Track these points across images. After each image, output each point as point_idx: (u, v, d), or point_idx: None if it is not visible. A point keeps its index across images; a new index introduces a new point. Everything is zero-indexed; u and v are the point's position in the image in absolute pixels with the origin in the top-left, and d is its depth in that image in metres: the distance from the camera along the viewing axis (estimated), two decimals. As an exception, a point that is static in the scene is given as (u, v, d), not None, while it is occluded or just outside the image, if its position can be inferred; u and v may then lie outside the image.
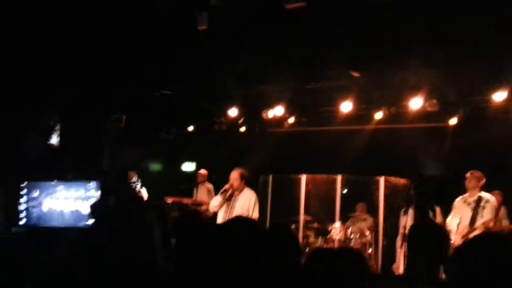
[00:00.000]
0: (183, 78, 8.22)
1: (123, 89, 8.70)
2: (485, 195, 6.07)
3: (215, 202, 6.32)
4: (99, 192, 7.99)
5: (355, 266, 1.93)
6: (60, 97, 8.57)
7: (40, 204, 8.17)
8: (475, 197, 6.07)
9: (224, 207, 6.21)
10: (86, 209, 7.52)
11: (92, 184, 8.11)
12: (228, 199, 6.20)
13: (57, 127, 9.07)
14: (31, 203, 8.16)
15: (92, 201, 7.36)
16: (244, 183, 6.23)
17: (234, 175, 6.22)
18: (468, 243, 1.85)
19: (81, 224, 7.79)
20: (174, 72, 7.92)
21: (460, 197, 6.23)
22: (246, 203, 6.13)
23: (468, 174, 6.11)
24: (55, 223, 8.03)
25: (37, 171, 8.35)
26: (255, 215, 6.10)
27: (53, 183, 8.28)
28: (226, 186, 6.18)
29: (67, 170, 8.95)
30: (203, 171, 9.59)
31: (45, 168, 8.48)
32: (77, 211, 8.04)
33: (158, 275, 1.59)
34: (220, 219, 6.16)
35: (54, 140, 9.03)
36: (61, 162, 8.99)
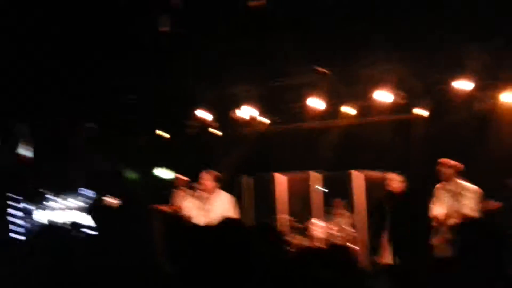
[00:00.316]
0: (150, 83, 8.15)
1: (92, 98, 8.59)
2: (464, 183, 6.11)
3: (187, 205, 6.37)
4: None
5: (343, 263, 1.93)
6: (29, 107, 8.42)
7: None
8: (454, 185, 6.13)
9: (202, 211, 6.18)
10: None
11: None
12: (204, 203, 6.19)
13: (27, 138, 8.91)
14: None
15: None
16: (217, 186, 6.22)
17: (207, 177, 6.22)
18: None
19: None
20: (141, 77, 7.85)
21: (439, 184, 6.27)
22: (224, 206, 6.12)
23: (440, 166, 6.15)
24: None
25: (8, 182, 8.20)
26: (235, 216, 6.07)
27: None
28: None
29: (40, 182, 8.81)
30: (181, 176, 9.52)
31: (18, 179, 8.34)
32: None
33: (157, 276, 1.60)
34: (198, 223, 6.12)
35: (25, 151, 8.87)
36: (35, 172, 8.84)
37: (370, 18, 5.98)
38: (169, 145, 10.33)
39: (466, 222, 2.07)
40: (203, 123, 9.72)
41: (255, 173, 9.28)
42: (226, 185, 8.44)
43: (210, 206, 6.14)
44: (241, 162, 9.62)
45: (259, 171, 9.31)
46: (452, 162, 6.16)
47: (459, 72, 7.28)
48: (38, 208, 8.13)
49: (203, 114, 9.42)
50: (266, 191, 9.01)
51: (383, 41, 6.45)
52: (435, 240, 5.77)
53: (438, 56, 6.89)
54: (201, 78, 7.58)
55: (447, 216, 5.96)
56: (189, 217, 6.25)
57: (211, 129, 9.95)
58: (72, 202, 8.02)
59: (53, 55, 6.91)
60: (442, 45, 6.50)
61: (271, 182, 8.94)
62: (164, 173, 11.36)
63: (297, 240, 8.35)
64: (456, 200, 6.04)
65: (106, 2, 6.19)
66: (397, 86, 7.88)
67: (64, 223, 7.97)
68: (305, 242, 8.08)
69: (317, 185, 8.70)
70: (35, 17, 6.18)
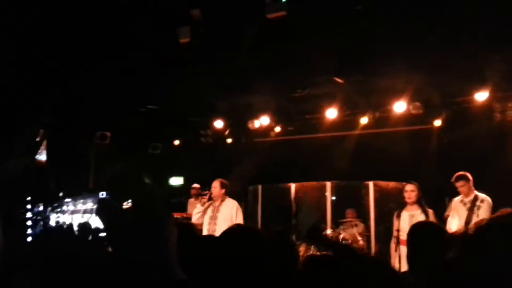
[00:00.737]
0: (167, 93, 8.19)
1: (108, 105, 8.63)
2: (480, 194, 6.11)
3: (196, 212, 6.50)
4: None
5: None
6: (46, 112, 8.49)
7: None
8: (471, 197, 6.12)
9: (208, 218, 6.33)
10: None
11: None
12: (212, 211, 6.31)
13: (44, 143, 8.97)
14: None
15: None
16: (224, 193, 6.34)
17: (215, 183, 6.43)
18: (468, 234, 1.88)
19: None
20: (158, 87, 7.89)
21: (457, 198, 6.27)
22: (229, 213, 6.26)
23: (458, 182, 6.13)
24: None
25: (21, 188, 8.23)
26: (239, 222, 6.14)
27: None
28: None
29: (54, 187, 8.84)
30: (196, 185, 9.56)
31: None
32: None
33: (169, 281, 1.56)
34: (205, 231, 6.20)
35: (42, 156, 8.92)
36: (48, 178, 8.88)
37: (387, 28, 5.99)
38: (184, 154, 10.36)
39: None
40: (219, 133, 9.75)
41: (269, 183, 9.27)
42: (239, 194, 8.47)
43: (218, 213, 6.27)
44: (255, 171, 9.62)
45: (272, 181, 9.30)
46: (467, 175, 6.15)
47: (478, 83, 7.25)
48: (53, 211, 8.15)
49: (218, 123, 9.46)
50: (280, 201, 8.99)
51: (400, 51, 6.44)
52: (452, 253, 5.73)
53: (456, 67, 6.87)
54: (218, 88, 7.61)
55: (457, 228, 5.96)
56: (198, 225, 6.35)
57: (225, 139, 9.97)
58: (89, 205, 8.04)
59: (72, 60, 6.96)
60: (461, 55, 6.48)
61: (285, 191, 8.92)
62: (177, 181, 11.39)
63: (308, 250, 8.31)
64: (473, 212, 6.03)
65: (125, 11, 6.25)
66: (414, 96, 7.86)
67: (72, 226, 7.97)
68: (314, 252, 8.02)
69: (330, 195, 8.68)
70: (55, 25, 6.24)
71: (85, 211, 8.06)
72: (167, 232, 1.56)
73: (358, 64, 6.86)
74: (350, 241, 8.23)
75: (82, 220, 8.00)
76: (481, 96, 7.43)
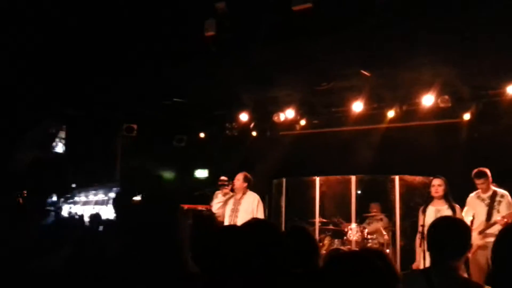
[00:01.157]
0: (193, 86, 8.24)
1: (133, 99, 8.74)
2: (499, 190, 6.00)
3: (216, 201, 6.57)
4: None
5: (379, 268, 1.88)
6: (64, 104, 8.57)
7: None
8: (490, 193, 6.01)
9: (229, 211, 6.42)
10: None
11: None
12: (233, 203, 6.36)
13: (60, 135, 9.08)
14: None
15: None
16: (247, 186, 6.39)
17: (238, 176, 6.52)
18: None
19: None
20: (183, 79, 7.95)
21: (473, 193, 6.18)
22: (250, 206, 6.31)
23: (479, 179, 6.02)
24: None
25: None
26: (261, 216, 6.20)
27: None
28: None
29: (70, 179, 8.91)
30: (223, 178, 9.62)
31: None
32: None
33: (180, 275, 1.57)
34: (226, 223, 6.26)
35: (59, 148, 9.04)
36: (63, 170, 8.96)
37: (416, 19, 5.87)
38: (209, 147, 10.42)
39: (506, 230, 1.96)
40: (244, 125, 9.77)
41: (293, 176, 9.24)
42: (264, 187, 8.47)
43: (239, 206, 6.31)
44: (279, 164, 9.61)
45: (297, 173, 9.27)
46: (486, 172, 6.03)
47: (508, 76, 7.05)
48: (66, 202, 8.30)
49: (244, 116, 9.48)
50: (304, 194, 8.96)
51: (428, 44, 6.31)
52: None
53: (485, 60, 6.69)
54: (243, 81, 7.62)
55: (476, 225, 5.88)
56: (219, 217, 6.42)
57: (250, 131, 9.98)
58: (100, 197, 8.18)
59: (99, 56, 7.06)
60: (490, 48, 6.31)
61: (310, 184, 8.89)
62: (202, 174, 11.48)
63: (332, 243, 8.29)
64: (493, 208, 5.93)
65: (151, 3, 6.30)
66: (443, 89, 7.70)
67: (83, 216, 8.09)
68: (338, 245, 8.00)
69: (354, 189, 8.61)
70: (79, 17, 6.32)
71: (96, 202, 8.21)
72: (176, 225, 1.56)
73: (384, 56, 6.75)
74: (374, 235, 8.19)
75: (94, 211, 8.15)
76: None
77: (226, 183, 8.10)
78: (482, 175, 6.04)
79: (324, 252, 7.54)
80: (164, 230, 1.52)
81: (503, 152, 7.37)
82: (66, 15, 6.18)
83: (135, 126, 9.85)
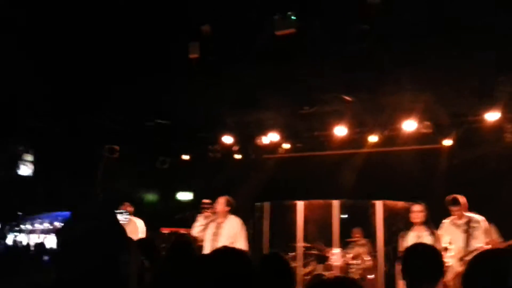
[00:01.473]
0: (176, 107, 8.23)
1: (116, 119, 8.68)
2: (473, 216, 6.06)
3: (197, 224, 6.48)
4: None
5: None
6: (34, 124, 8.38)
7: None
8: (465, 219, 6.06)
9: (211, 235, 6.31)
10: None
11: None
12: (215, 227, 6.28)
13: (28, 157, 8.85)
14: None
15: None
16: (229, 211, 6.30)
17: (220, 200, 6.41)
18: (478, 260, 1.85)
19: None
20: (167, 101, 7.93)
21: (448, 220, 6.21)
22: (232, 230, 6.22)
23: (455, 206, 6.07)
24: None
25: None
26: (243, 241, 6.13)
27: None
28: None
29: (39, 203, 8.65)
30: (206, 201, 9.52)
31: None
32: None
33: None
34: (207, 248, 6.17)
35: (25, 170, 8.76)
36: (35, 194, 8.69)
37: (396, 46, 5.97)
38: (192, 169, 10.35)
39: (479, 257, 1.97)
40: (227, 148, 9.74)
41: (275, 200, 9.20)
42: (245, 211, 8.39)
43: (221, 230, 6.23)
44: (262, 188, 9.57)
45: (279, 197, 9.23)
46: (463, 200, 6.08)
47: (488, 103, 7.17)
48: (11, 230, 8.08)
49: (227, 139, 9.46)
50: (287, 218, 8.90)
51: (409, 70, 6.41)
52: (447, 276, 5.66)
53: (466, 86, 6.81)
54: (227, 103, 7.63)
55: (455, 251, 5.90)
56: (200, 241, 6.32)
57: (234, 154, 9.95)
58: (46, 225, 7.98)
59: (79, 73, 7.00)
60: (471, 75, 6.43)
61: (292, 208, 8.84)
62: (185, 196, 11.37)
63: (315, 269, 8.22)
64: (468, 233, 5.96)
65: (135, 24, 6.30)
66: (424, 115, 7.79)
67: (29, 245, 7.91)
68: (321, 271, 7.94)
69: (337, 213, 8.58)
70: (60, 36, 6.27)
71: (42, 231, 8.04)
72: (122, 257, 1.49)
73: (366, 82, 6.83)
74: (357, 260, 8.15)
75: (39, 240, 7.99)
76: (492, 116, 7.35)
77: (208, 206, 8.02)
78: (457, 202, 6.09)
79: (309, 277, 7.49)
80: (106, 265, 1.43)
81: (483, 177, 7.45)
82: (43, 36, 6.13)
83: (117, 148, 9.75)
